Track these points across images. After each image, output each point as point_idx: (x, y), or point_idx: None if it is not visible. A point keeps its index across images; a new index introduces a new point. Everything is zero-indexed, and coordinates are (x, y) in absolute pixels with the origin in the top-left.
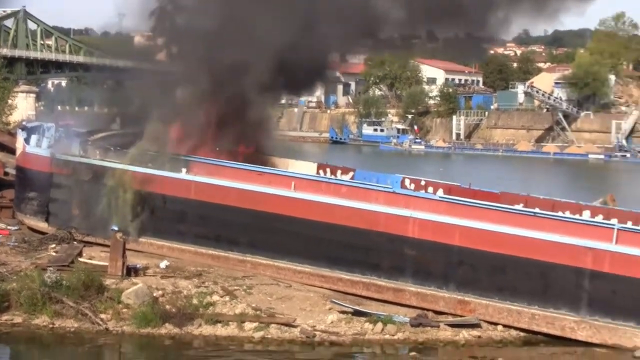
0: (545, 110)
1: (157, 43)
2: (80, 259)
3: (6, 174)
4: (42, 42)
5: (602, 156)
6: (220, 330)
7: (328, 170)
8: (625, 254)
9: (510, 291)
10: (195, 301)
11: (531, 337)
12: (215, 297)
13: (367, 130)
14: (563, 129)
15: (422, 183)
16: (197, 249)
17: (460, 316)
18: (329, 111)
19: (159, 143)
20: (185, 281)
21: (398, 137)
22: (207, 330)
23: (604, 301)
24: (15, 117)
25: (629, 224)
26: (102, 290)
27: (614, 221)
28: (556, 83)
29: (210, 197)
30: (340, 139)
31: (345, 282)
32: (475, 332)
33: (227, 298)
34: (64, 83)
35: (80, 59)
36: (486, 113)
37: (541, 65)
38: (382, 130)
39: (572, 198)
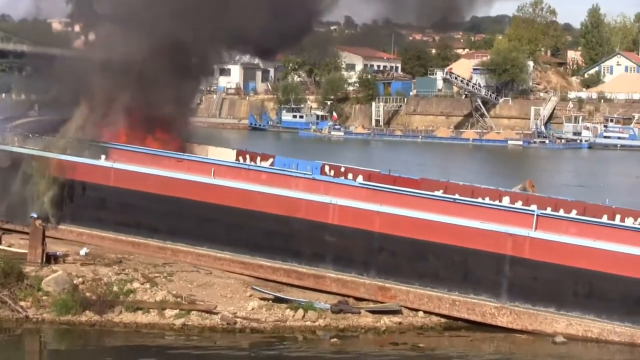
0: (464, 96)
1: (74, 29)
2: None
3: None
4: None
5: (520, 142)
6: (140, 318)
7: (247, 157)
8: (544, 240)
9: (430, 277)
10: (115, 288)
11: (452, 323)
12: (136, 285)
13: (286, 116)
14: (482, 115)
15: (342, 169)
16: (117, 236)
17: (381, 302)
18: (247, 98)
19: (78, 130)
20: (105, 268)
21: (317, 123)
22: (127, 317)
23: (524, 287)
24: None
25: (549, 210)
26: (21, 278)
27: (533, 207)
28: (475, 69)
29: (129, 184)
30: (260, 125)
31: (266, 269)
32: (396, 319)
33: (147, 285)
34: None
35: None
36: (405, 99)
37: (460, 51)
38: (301, 117)
39: (491, 184)
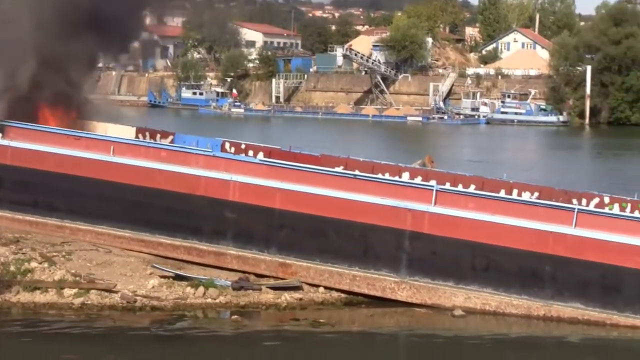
0: (363, 73)
1: None
2: None
3: None
4: None
5: (420, 118)
6: (39, 297)
7: (147, 134)
8: (443, 215)
9: (331, 253)
10: (12, 268)
11: (352, 298)
12: (34, 264)
13: (186, 93)
14: (382, 91)
15: (243, 146)
16: (14, 215)
17: (282, 279)
18: (147, 75)
19: None
20: (2, 248)
21: (217, 100)
22: (25, 297)
23: (424, 262)
24: None
25: (447, 185)
26: None
27: (432, 183)
28: (374, 46)
29: (27, 163)
30: (159, 102)
31: (166, 246)
32: (297, 295)
33: (45, 264)
34: None
35: None
36: (305, 76)
37: (359, 28)
38: (201, 94)
39: (391, 160)
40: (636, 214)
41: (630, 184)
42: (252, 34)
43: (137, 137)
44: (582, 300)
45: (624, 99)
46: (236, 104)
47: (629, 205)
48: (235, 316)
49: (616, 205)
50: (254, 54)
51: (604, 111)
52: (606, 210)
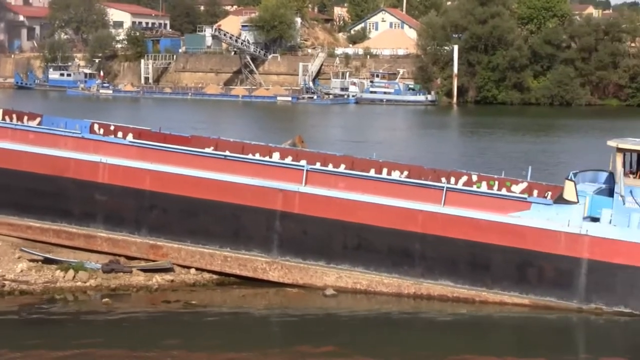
0: (233, 53)
1: None
2: None
3: None
4: None
5: (289, 98)
6: None
7: (14, 116)
8: (314, 195)
9: (202, 234)
10: None
11: (224, 279)
12: None
13: (54, 75)
14: (251, 72)
15: (112, 128)
16: None
17: (153, 261)
18: (13, 56)
19: None
20: None
21: (85, 81)
22: None
23: (295, 241)
24: None
25: (318, 165)
26: None
27: (303, 162)
28: (243, 26)
29: None
30: (26, 84)
31: (35, 229)
32: (168, 276)
33: None
34: None
35: None
36: (174, 57)
37: (228, 8)
38: (69, 75)
39: (261, 141)
40: (503, 191)
41: (497, 162)
42: (119, 14)
43: (3, 119)
44: (452, 278)
45: (490, 78)
46: (104, 85)
47: (497, 182)
48: (106, 299)
49: (484, 183)
50: (122, 34)
51: (471, 90)
52: (474, 188)
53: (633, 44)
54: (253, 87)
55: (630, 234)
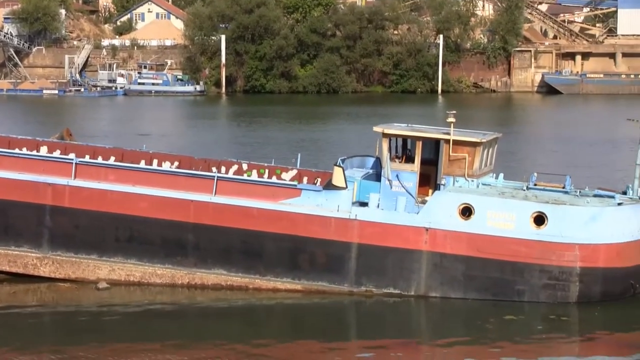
0: None
1: None
2: None
3: None
4: None
5: (56, 91)
6: None
7: None
8: (84, 188)
9: None
10: None
11: None
12: None
13: None
14: (15, 65)
15: None
16: None
17: None
18: None
19: None
20: None
21: None
22: None
23: (66, 236)
24: None
25: (87, 158)
26: None
27: (72, 155)
28: (6, 18)
29: None
30: None
31: None
32: None
33: None
34: None
35: None
36: None
37: None
38: None
39: (28, 134)
40: (274, 179)
41: (267, 151)
42: None
43: None
44: (226, 267)
45: (258, 67)
46: None
47: (267, 171)
48: None
49: (254, 172)
50: None
51: (240, 79)
52: (245, 176)
53: (396, 32)
54: (18, 81)
55: (397, 217)
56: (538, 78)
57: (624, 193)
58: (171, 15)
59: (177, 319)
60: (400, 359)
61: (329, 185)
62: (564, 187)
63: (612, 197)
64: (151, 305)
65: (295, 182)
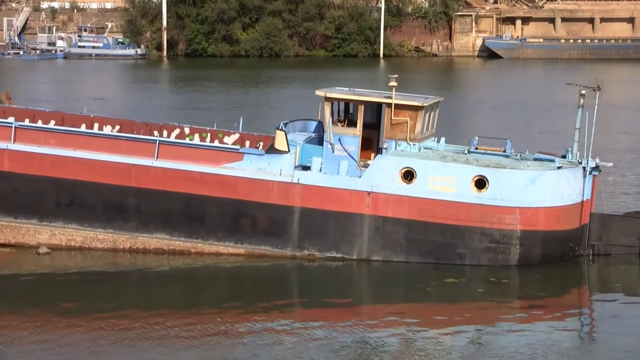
0: None
1: None
2: None
3: None
4: None
5: None
6: None
7: None
8: (24, 152)
9: None
10: None
11: None
12: None
13: None
14: None
15: None
16: None
17: None
18: None
19: None
20: None
21: None
22: None
23: (6, 200)
24: None
25: (27, 122)
26: None
27: (11, 119)
28: None
29: None
30: None
31: None
32: None
33: None
34: None
35: None
36: None
37: None
38: None
39: None
40: (216, 143)
41: (209, 114)
42: None
43: None
44: (167, 231)
45: (199, 31)
46: None
47: (209, 135)
48: None
49: (197, 136)
50: None
51: (181, 43)
52: (187, 140)
53: None
54: None
55: (339, 181)
56: (479, 42)
57: (564, 157)
58: None
59: (119, 284)
60: (341, 321)
61: (271, 149)
62: (504, 151)
63: (552, 160)
64: (92, 269)
65: (237, 146)
